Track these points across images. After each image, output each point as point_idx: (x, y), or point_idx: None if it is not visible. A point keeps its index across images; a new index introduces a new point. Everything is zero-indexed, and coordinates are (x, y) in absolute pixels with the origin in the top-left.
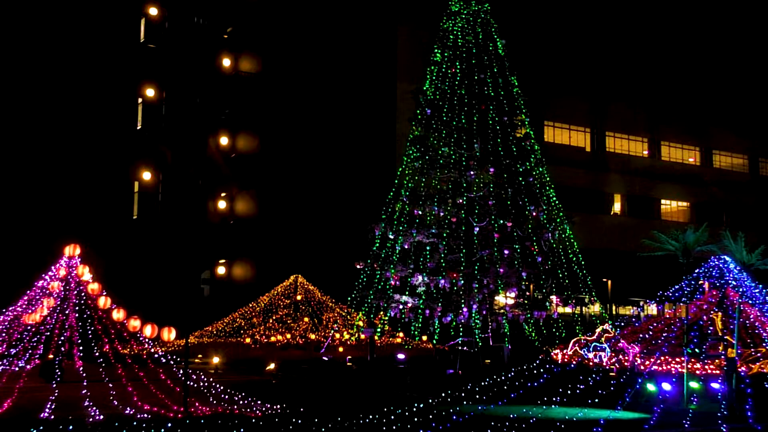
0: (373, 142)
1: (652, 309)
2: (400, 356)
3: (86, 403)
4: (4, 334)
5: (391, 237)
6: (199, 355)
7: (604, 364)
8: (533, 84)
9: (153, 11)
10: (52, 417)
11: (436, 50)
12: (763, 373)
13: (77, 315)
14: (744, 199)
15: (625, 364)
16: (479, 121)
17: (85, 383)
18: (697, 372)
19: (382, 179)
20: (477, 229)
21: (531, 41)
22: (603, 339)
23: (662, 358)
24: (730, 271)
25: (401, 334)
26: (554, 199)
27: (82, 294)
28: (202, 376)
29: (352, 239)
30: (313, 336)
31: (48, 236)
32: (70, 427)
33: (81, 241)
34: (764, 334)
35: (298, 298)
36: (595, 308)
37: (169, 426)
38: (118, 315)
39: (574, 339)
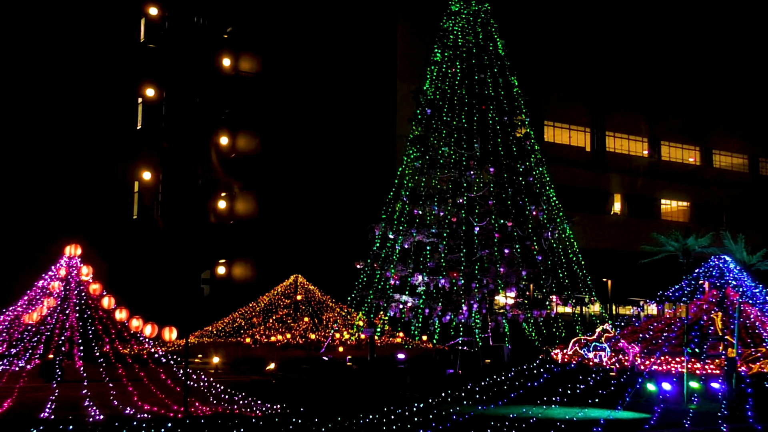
0: (373, 142)
1: (652, 309)
2: (400, 356)
3: (86, 403)
4: (4, 334)
5: (391, 237)
6: (199, 355)
7: (604, 364)
8: (533, 84)
9: (153, 11)
10: (52, 417)
11: (436, 50)
12: (764, 373)
13: (77, 315)
14: (744, 199)
15: (625, 364)
16: (479, 121)
17: (85, 383)
18: (697, 372)
19: (382, 179)
20: (477, 228)
21: (531, 41)
22: (603, 339)
23: (662, 358)
24: (730, 271)
25: (401, 334)
26: (554, 199)
27: (83, 294)
28: (202, 376)
29: (352, 239)
30: (313, 336)
31: (48, 236)
32: (70, 427)
33: (81, 241)
34: (764, 334)
35: (298, 298)
36: (595, 308)
37: (169, 426)
38: (120, 315)
39: (574, 339)
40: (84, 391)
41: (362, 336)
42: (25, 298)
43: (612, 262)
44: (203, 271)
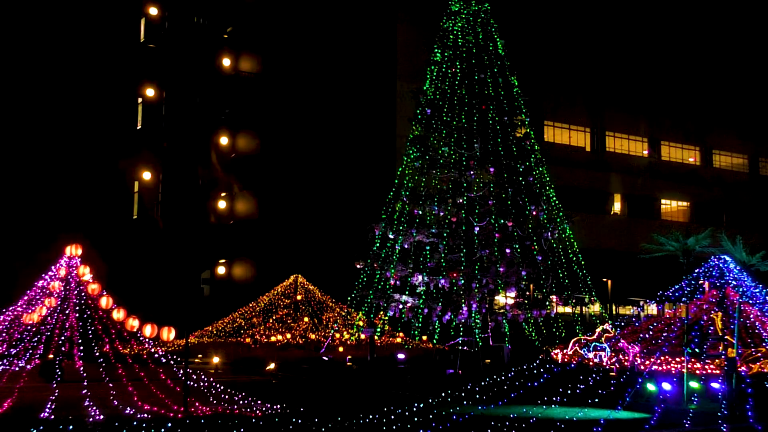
0: (373, 142)
1: (652, 309)
2: (400, 356)
3: (86, 403)
4: (4, 334)
5: (391, 237)
6: (199, 355)
7: (604, 364)
8: (533, 84)
9: (153, 11)
10: (52, 417)
11: (436, 50)
12: (764, 373)
13: (77, 315)
14: (744, 199)
15: (625, 364)
16: (479, 121)
17: (85, 383)
18: (697, 372)
19: (382, 179)
20: (477, 228)
21: (531, 41)
22: (603, 339)
23: (662, 358)
24: (730, 271)
25: (401, 334)
26: (554, 198)
27: (83, 294)
28: (202, 376)
29: (352, 239)
30: (313, 336)
31: (49, 236)
32: (70, 427)
33: (82, 241)
34: (764, 334)
35: (298, 298)
36: (595, 308)
37: (169, 426)
38: (118, 315)
39: (574, 339)
40: (84, 391)
41: (362, 336)
42: (25, 298)
43: (612, 262)
44: (203, 271)
